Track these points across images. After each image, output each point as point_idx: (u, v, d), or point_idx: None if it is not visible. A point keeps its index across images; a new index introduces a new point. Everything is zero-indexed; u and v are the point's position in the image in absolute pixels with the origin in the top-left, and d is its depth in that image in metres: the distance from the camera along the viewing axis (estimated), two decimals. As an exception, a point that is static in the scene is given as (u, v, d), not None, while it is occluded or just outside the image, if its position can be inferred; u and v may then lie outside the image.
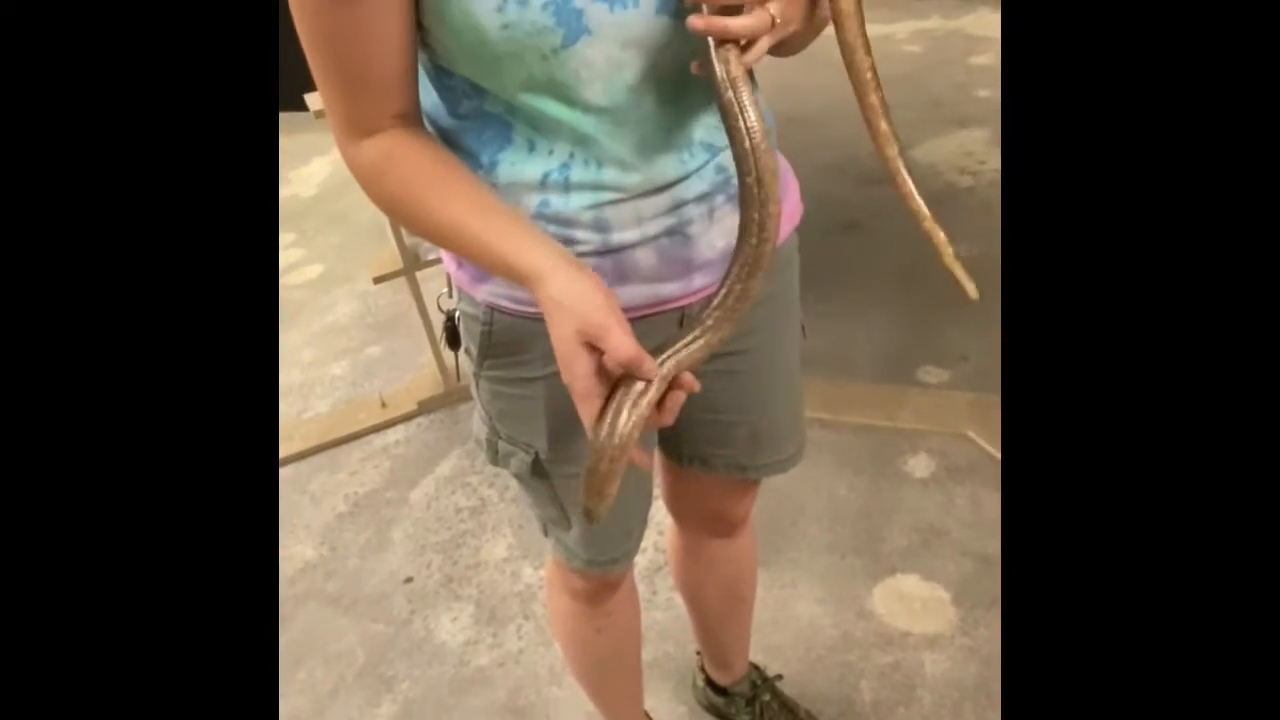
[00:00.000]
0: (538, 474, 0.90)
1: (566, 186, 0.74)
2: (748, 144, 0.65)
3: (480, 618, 1.65)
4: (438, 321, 1.82)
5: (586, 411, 0.67)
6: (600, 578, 1.02)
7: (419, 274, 2.04)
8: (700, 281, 0.82)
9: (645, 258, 0.78)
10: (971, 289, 0.73)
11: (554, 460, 0.88)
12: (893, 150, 0.69)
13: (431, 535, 1.84)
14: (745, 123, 0.64)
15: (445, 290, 0.93)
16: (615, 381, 0.67)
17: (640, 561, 1.68)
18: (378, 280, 2.02)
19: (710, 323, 0.69)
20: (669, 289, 0.80)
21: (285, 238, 3.07)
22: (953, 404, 1.93)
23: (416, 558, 1.79)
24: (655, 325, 0.83)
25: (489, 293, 0.82)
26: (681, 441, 1.00)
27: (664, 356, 0.68)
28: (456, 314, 0.89)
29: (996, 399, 1.89)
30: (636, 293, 0.79)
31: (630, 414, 0.66)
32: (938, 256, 0.71)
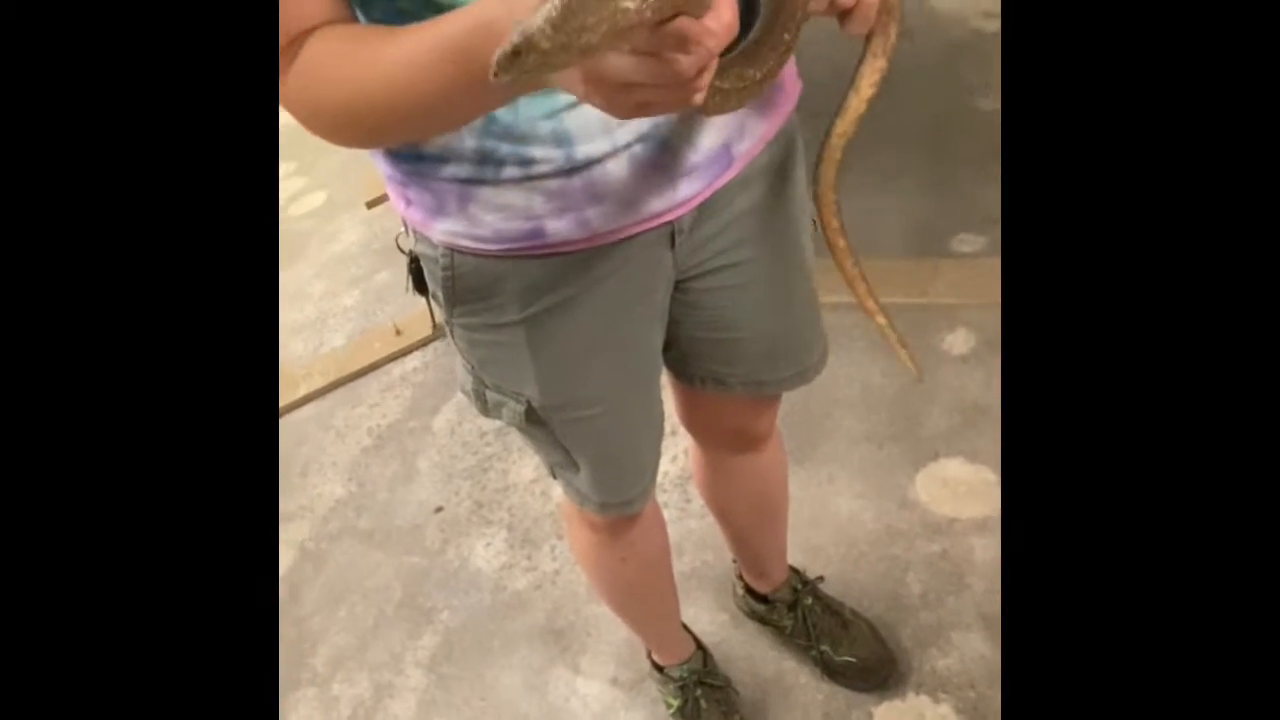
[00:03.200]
0: (534, 421, 0.82)
1: None
2: None
3: (513, 541, 1.62)
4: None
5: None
6: (619, 517, 0.96)
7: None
8: (687, 190, 0.71)
9: (618, 170, 0.67)
10: (916, 373, 0.82)
11: (548, 406, 0.80)
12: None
13: (458, 462, 1.80)
14: None
15: (402, 229, 0.83)
16: None
17: (671, 470, 1.63)
18: (371, 205, 1.94)
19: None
20: (651, 204, 0.70)
21: (286, 166, 2.97)
22: (990, 272, 1.80)
23: (445, 486, 1.76)
24: (641, 246, 0.73)
25: (446, 232, 0.71)
26: (689, 362, 0.91)
27: None
28: (416, 256, 0.79)
29: (1037, 262, 1.77)
30: (614, 213, 0.69)
31: None
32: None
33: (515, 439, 1.80)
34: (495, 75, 0.42)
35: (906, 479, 1.51)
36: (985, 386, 1.60)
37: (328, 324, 2.28)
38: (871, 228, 1.97)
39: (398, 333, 2.11)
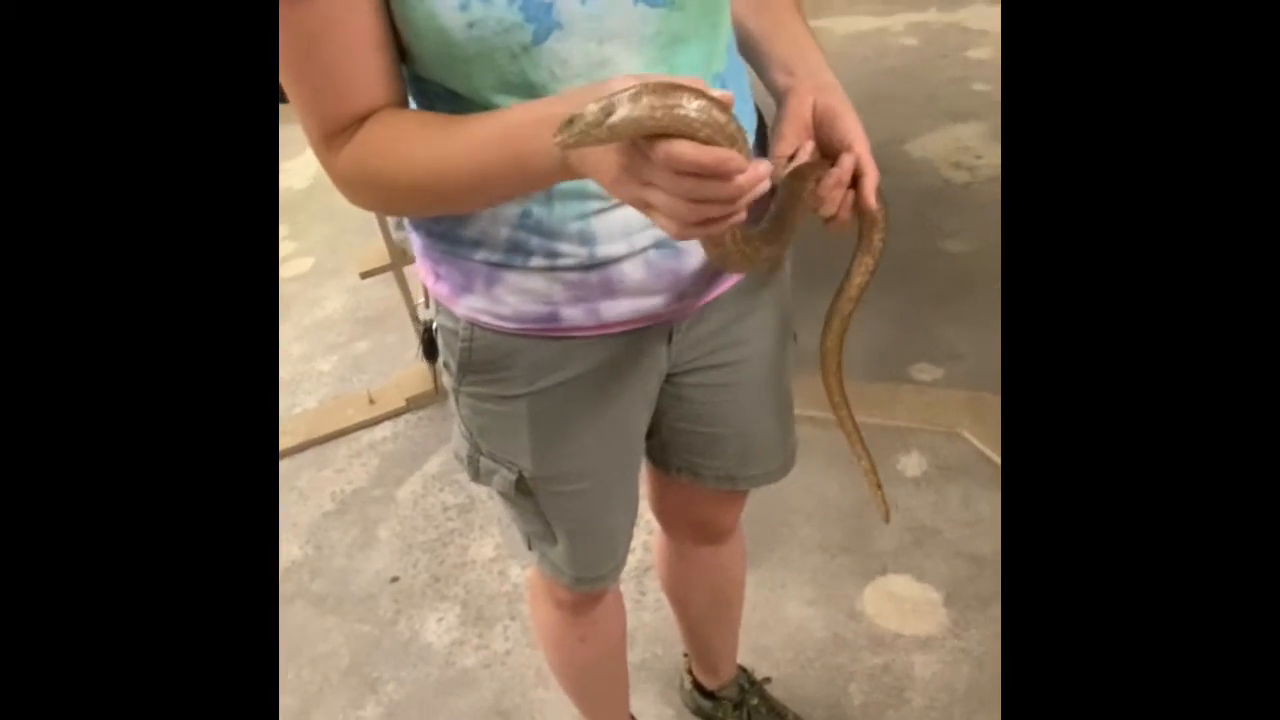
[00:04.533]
0: (522, 491, 0.87)
1: (549, 195, 0.70)
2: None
3: (466, 618, 1.63)
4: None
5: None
6: (587, 593, 1.00)
7: (407, 269, 2.02)
8: (691, 294, 0.79)
9: (633, 271, 0.75)
10: (884, 514, 0.90)
11: (539, 478, 0.86)
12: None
13: (418, 534, 1.82)
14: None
15: (422, 300, 0.90)
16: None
17: (629, 561, 1.66)
18: (365, 275, 2.00)
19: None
20: (657, 303, 0.77)
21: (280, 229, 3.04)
22: (946, 402, 1.91)
23: (403, 557, 1.77)
24: (642, 339, 0.81)
25: (469, 308, 0.78)
26: (670, 452, 0.98)
27: None
28: (434, 326, 0.86)
29: (991, 397, 1.87)
30: (624, 307, 0.76)
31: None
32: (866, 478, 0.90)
33: (478, 516, 1.83)
34: (555, 135, 0.54)
35: (855, 590, 1.57)
36: (935, 509, 1.68)
37: (302, 386, 2.31)
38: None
39: (371, 401, 2.15)
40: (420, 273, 0.84)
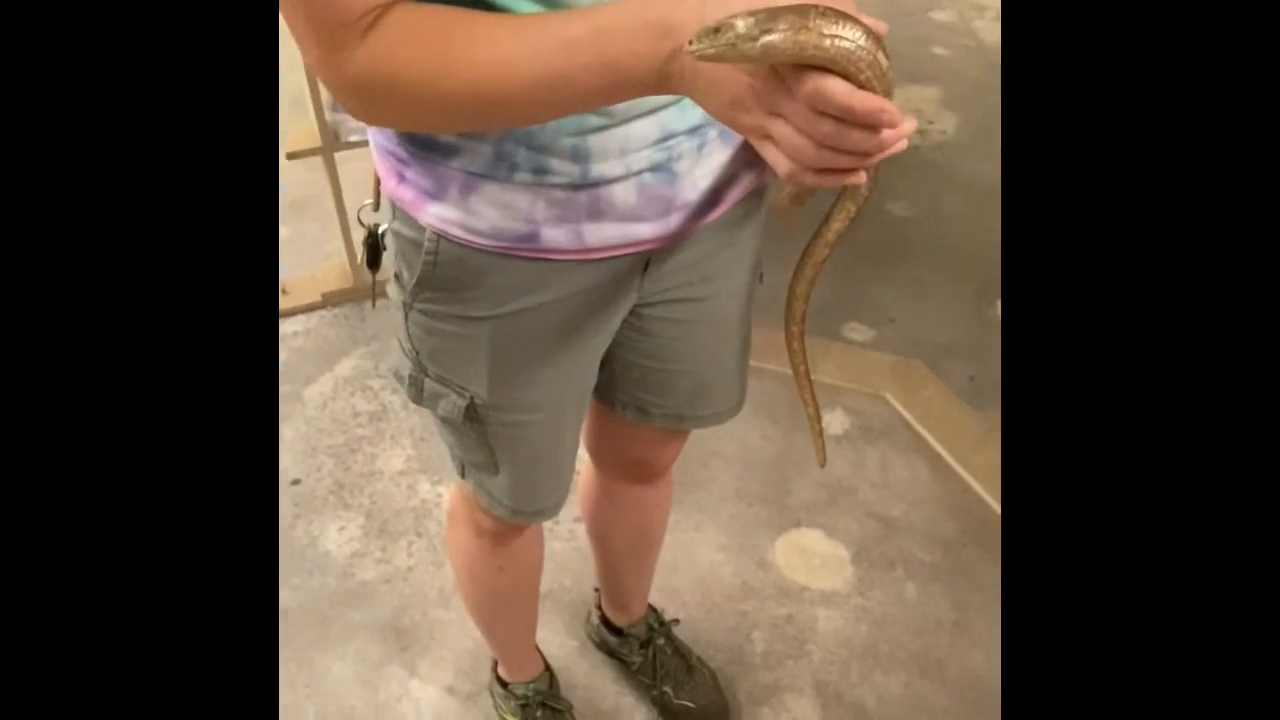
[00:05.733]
0: (471, 419, 0.81)
1: None
2: None
3: (370, 530, 1.58)
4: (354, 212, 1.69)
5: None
6: (508, 525, 0.96)
7: (338, 155, 1.88)
8: (677, 223, 0.74)
9: (624, 194, 0.69)
10: (821, 460, 0.85)
11: (491, 406, 0.80)
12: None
13: (325, 438, 1.73)
14: None
15: (369, 201, 0.80)
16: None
17: (544, 488, 1.63)
18: (291, 156, 1.86)
19: None
20: (644, 229, 0.72)
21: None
22: (874, 364, 1.92)
23: (307, 460, 1.69)
24: (620, 266, 0.75)
25: (437, 217, 0.71)
26: (618, 387, 0.93)
27: None
28: (382, 232, 0.77)
29: (917, 364, 1.89)
30: (609, 232, 0.71)
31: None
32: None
33: (390, 425, 1.76)
34: (690, 43, 0.47)
35: (768, 541, 1.58)
36: (853, 468, 1.70)
37: (208, 266, 2.16)
38: (778, 302, 2.06)
39: (284, 291, 2.02)
40: (379, 170, 0.75)
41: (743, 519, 1.61)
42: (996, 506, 1.63)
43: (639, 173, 0.68)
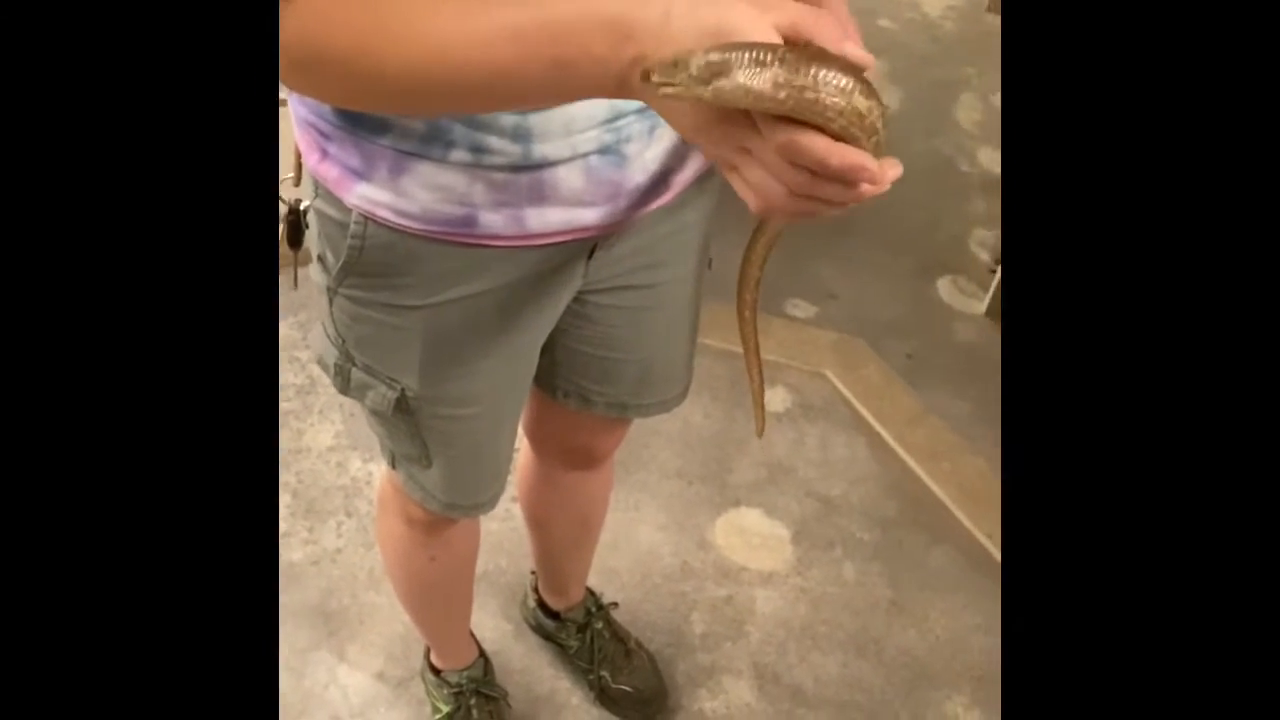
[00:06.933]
0: (401, 410, 0.76)
1: None
2: None
3: (296, 509, 1.51)
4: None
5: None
6: (440, 517, 0.91)
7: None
8: (626, 208, 0.69)
9: (569, 177, 0.64)
10: (759, 429, 0.82)
11: (424, 398, 0.75)
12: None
13: (249, 412, 1.66)
14: None
15: (291, 175, 0.74)
16: None
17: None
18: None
19: None
20: (590, 215, 0.67)
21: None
22: (815, 341, 1.91)
23: (229, 435, 1.61)
24: (563, 253, 0.71)
25: (364, 197, 0.65)
26: (560, 374, 0.89)
27: None
28: (305, 209, 0.71)
29: (858, 341, 1.89)
30: (553, 217, 0.66)
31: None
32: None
33: (318, 400, 1.69)
34: (646, 75, 0.43)
35: (708, 520, 1.56)
36: (793, 446, 1.69)
37: (121, 227, 2.04)
38: (721, 277, 2.04)
39: (205, 257, 1.92)
40: (299, 144, 0.69)
41: (683, 498, 1.59)
42: (933, 485, 1.64)
43: (586, 155, 0.64)
